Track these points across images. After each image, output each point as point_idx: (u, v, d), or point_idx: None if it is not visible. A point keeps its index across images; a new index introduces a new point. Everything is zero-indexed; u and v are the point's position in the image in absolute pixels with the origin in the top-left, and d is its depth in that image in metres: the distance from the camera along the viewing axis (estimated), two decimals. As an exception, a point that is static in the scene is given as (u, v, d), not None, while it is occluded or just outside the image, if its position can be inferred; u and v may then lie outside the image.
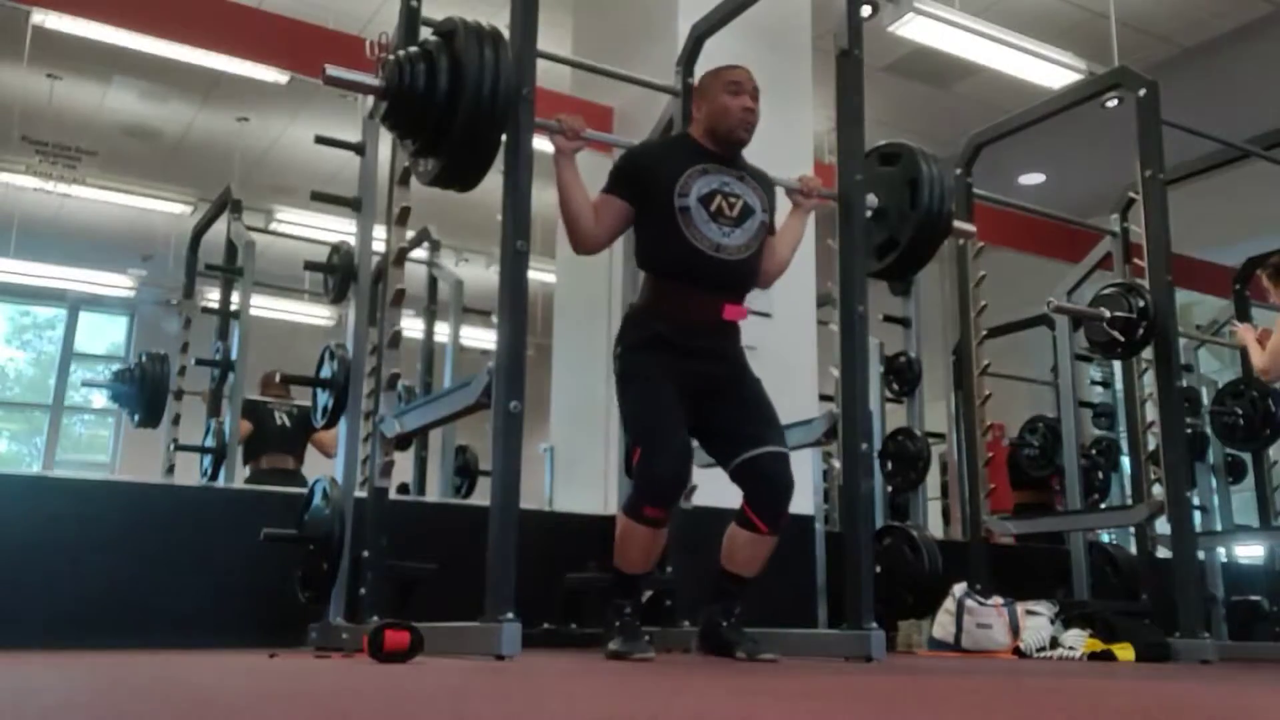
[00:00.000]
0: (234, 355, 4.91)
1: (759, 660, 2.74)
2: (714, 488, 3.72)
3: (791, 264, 3.19)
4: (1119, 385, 6.04)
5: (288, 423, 5.50)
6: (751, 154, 3.55)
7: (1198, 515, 5.28)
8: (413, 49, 2.52)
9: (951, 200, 3.36)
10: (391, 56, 2.51)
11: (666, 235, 2.81)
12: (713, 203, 2.84)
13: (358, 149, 3.52)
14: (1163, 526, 3.99)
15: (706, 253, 2.81)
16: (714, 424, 2.87)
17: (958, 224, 3.09)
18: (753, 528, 2.82)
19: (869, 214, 3.25)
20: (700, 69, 3.94)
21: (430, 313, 6.01)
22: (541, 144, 2.86)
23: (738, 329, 2.94)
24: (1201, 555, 4.85)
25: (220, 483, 4.63)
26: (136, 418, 5.20)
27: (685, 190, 2.82)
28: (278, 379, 5.45)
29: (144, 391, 5.05)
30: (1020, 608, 3.97)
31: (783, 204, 3.21)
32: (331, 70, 2.50)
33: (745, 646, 2.78)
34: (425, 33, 2.89)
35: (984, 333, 4.57)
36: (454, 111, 2.46)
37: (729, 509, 4.19)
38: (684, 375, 2.81)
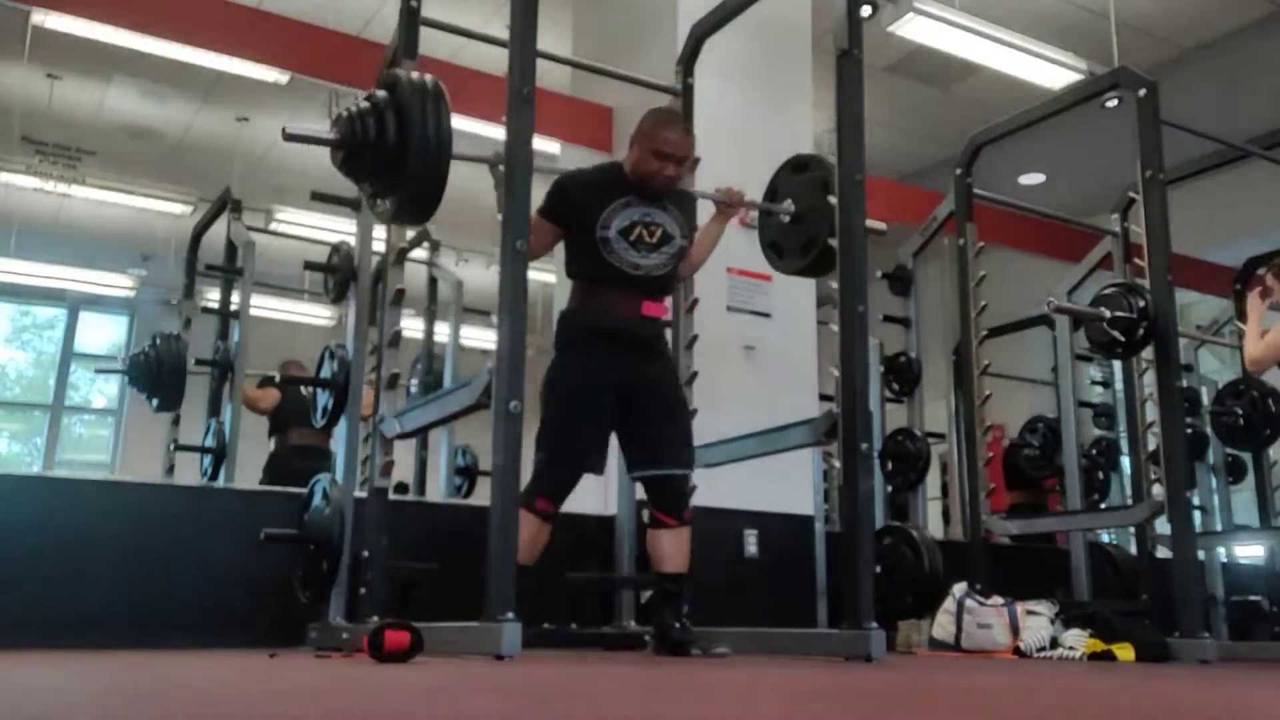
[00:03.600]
0: (234, 355, 4.90)
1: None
2: (714, 488, 3.74)
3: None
4: (1119, 385, 6.04)
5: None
6: (751, 155, 3.57)
7: (1198, 515, 5.27)
8: (362, 104, 2.70)
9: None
10: (344, 112, 2.70)
11: (590, 257, 3.13)
12: (633, 233, 3.13)
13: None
14: (1163, 526, 3.99)
15: (626, 270, 3.13)
16: (632, 427, 3.16)
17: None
18: (663, 524, 3.16)
19: (787, 219, 3.49)
20: (700, 69, 3.96)
21: (430, 313, 6.01)
22: (541, 143, 2.88)
23: (661, 327, 3.29)
24: (1201, 555, 4.85)
25: (220, 483, 4.63)
26: (155, 402, 5.00)
27: (607, 223, 3.12)
28: (293, 369, 5.40)
29: (161, 374, 4.86)
30: (1020, 608, 3.97)
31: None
32: (290, 129, 2.69)
33: (699, 644, 3.04)
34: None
35: (984, 333, 4.57)
36: (403, 157, 2.65)
37: (729, 509, 4.21)
38: (616, 373, 3.10)
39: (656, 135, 3.14)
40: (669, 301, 3.29)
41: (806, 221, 3.44)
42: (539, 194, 3.07)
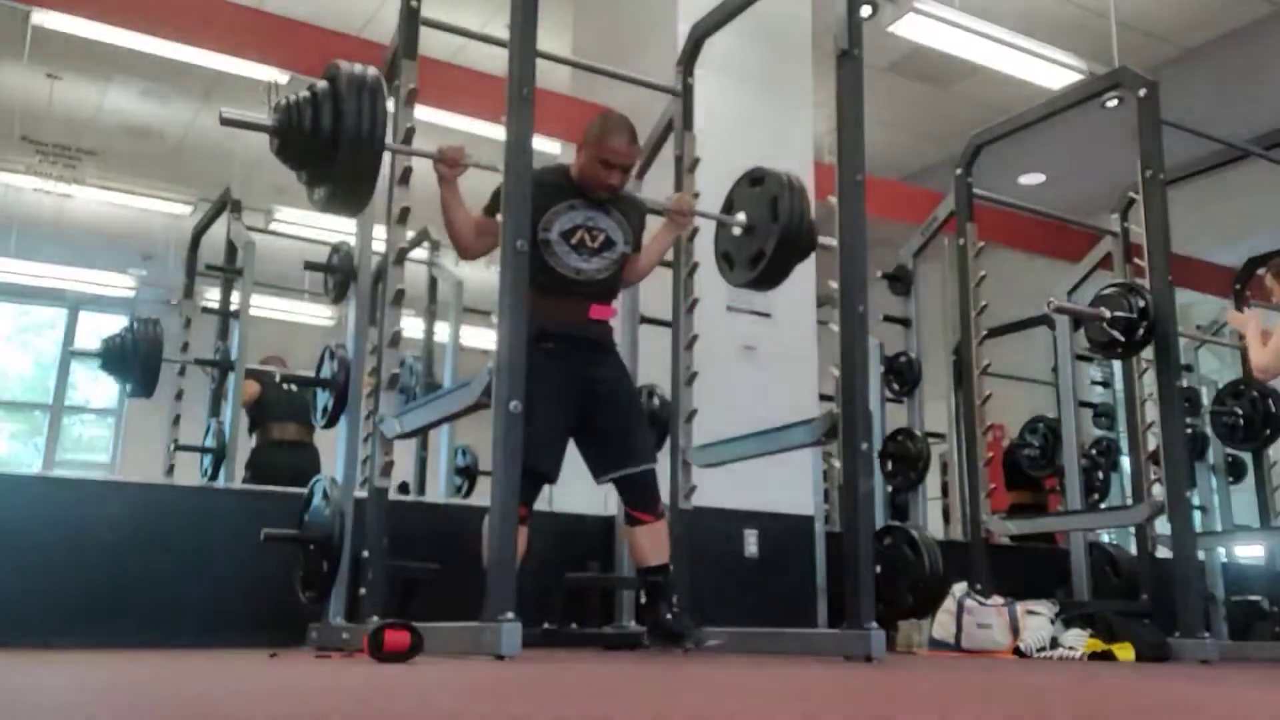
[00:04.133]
0: (234, 355, 4.89)
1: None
2: (714, 488, 3.74)
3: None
4: (1119, 385, 6.04)
5: (293, 387, 5.34)
6: (751, 155, 3.57)
7: (1198, 515, 5.27)
8: (302, 94, 2.73)
9: (810, 214, 3.47)
10: (283, 100, 2.72)
11: (533, 259, 3.07)
12: (574, 236, 3.16)
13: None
14: (1163, 526, 4.00)
15: (568, 275, 3.16)
16: (592, 431, 3.18)
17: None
18: (640, 521, 3.20)
19: (738, 231, 3.50)
20: (700, 69, 3.95)
21: (430, 313, 6.01)
22: (541, 143, 2.88)
23: (609, 329, 3.30)
24: (1201, 555, 4.84)
25: (220, 483, 4.62)
26: (129, 388, 4.92)
27: (548, 225, 3.13)
28: (274, 364, 5.36)
29: (137, 358, 4.74)
30: (1020, 608, 3.97)
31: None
32: (226, 113, 2.71)
33: (693, 637, 3.10)
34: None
35: (984, 333, 4.57)
36: (336, 147, 2.68)
37: (728, 509, 4.21)
38: (569, 378, 3.10)
39: (603, 143, 3.14)
40: (616, 303, 3.35)
41: (756, 235, 3.46)
42: (485, 189, 3.08)
